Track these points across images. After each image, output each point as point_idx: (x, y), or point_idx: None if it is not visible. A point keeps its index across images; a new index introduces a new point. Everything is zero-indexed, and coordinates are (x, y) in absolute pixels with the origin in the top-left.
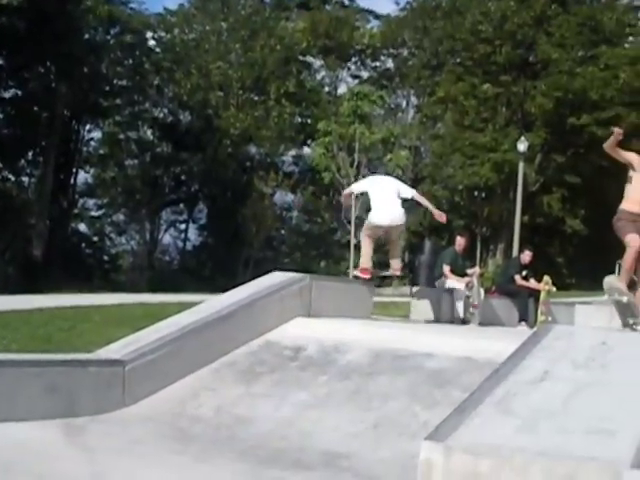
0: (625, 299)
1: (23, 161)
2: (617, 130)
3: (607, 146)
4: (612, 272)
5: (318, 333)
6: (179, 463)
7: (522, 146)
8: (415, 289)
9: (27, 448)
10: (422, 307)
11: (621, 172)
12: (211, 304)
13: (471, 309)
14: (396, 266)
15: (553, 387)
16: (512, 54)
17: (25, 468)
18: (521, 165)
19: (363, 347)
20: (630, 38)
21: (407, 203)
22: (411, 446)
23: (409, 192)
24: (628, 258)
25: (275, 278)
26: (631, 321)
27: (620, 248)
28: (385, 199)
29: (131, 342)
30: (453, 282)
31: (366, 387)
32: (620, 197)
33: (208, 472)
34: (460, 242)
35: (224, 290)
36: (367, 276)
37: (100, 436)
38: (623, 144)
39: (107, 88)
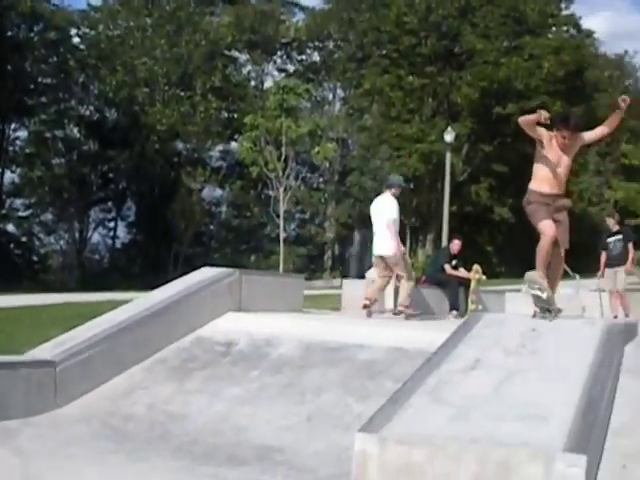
0: (545, 295)
1: None
2: (545, 114)
3: (525, 121)
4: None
5: (249, 327)
6: (114, 462)
7: (449, 136)
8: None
9: None
10: (353, 299)
11: None
12: (142, 302)
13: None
14: (400, 300)
15: (484, 375)
16: (437, 45)
17: None
18: (448, 155)
19: (294, 340)
20: (553, 28)
21: None
22: (345, 438)
23: (385, 220)
24: (542, 249)
25: (205, 274)
26: (546, 315)
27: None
28: (375, 227)
29: (62, 342)
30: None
31: (298, 380)
32: None
33: (144, 470)
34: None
35: (154, 287)
36: (363, 306)
37: (33, 438)
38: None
39: (32, 86)
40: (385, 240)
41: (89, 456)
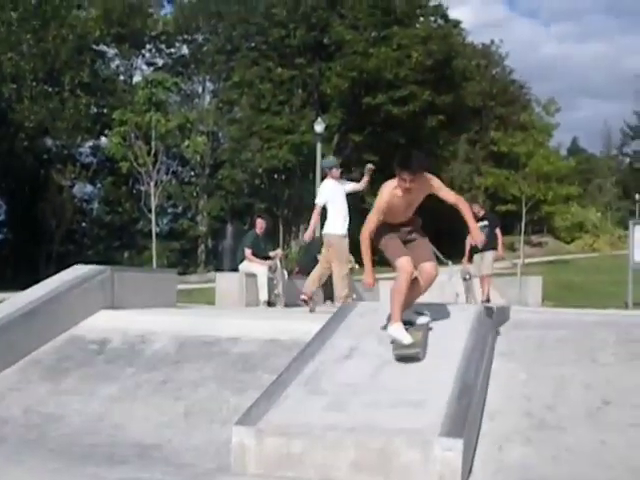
0: (412, 350)
1: None
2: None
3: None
4: None
5: (123, 325)
6: None
7: (319, 127)
8: None
9: None
10: (227, 293)
11: (418, 149)
12: (12, 302)
13: (275, 291)
14: (336, 293)
15: (360, 363)
16: (306, 37)
17: None
18: (319, 146)
19: (169, 336)
20: (421, 19)
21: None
22: (223, 432)
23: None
24: (399, 290)
25: (76, 272)
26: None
27: (424, 223)
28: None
29: None
30: (256, 265)
31: (174, 376)
32: None
33: (22, 473)
34: (260, 224)
35: (26, 287)
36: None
37: None
38: (419, 122)
39: None
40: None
41: None
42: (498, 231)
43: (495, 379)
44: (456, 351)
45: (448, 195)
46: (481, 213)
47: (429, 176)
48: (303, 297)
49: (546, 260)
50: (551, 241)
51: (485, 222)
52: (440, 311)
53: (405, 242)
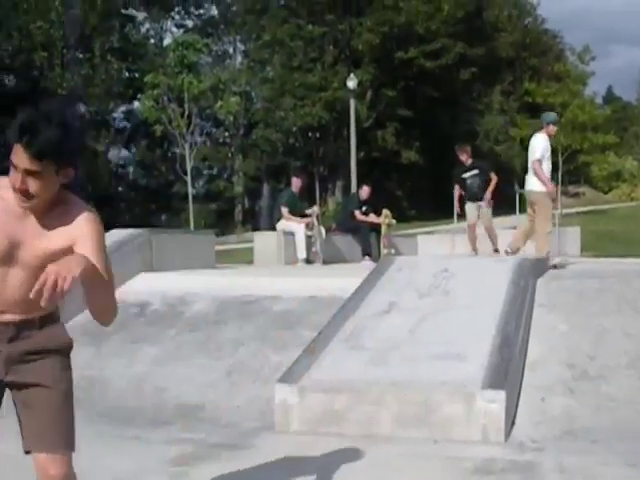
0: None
1: None
2: None
3: None
4: (451, 200)
5: (162, 287)
6: None
7: (352, 83)
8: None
9: None
10: (265, 252)
11: (451, 102)
12: None
13: (313, 248)
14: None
15: (399, 318)
16: None
17: None
18: (352, 102)
19: (209, 296)
20: None
21: None
22: (266, 390)
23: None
24: None
25: (114, 236)
26: None
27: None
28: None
29: None
30: (293, 223)
31: (215, 336)
32: (453, 128)
33: None
34: (296, 183)
35: None
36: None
37: None
38: (452, 75)
39: None
40: (530, 177)
41: (8, 425)
42: (493, 177)
43: (535, 330)
44: (496, 303)
45: None
46: (469, 161)
47: None
48: (507, 250)
49: (584, 210)
50: (588, 191)
51: (475, 171)
52: (479, 263)
53: None
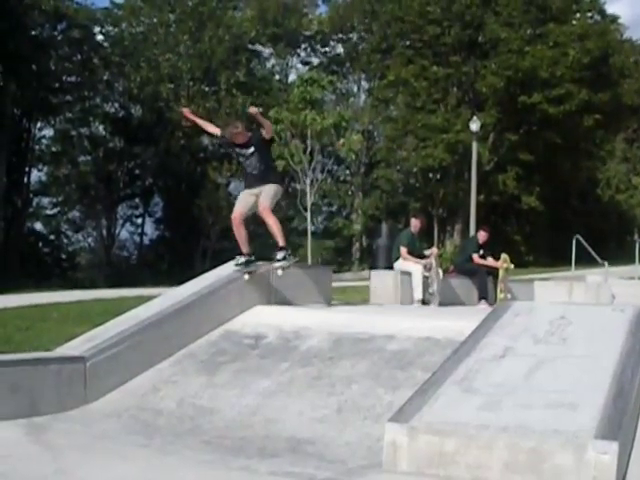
0: None
1: None
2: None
3: None
4: (570, 247)
5: (278, 320)
6: (144, 456)
7: (474, 126)
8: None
9: None
10: (381, 291)
11: (573, 148)
12: (169, 296)
13: (430, 290)
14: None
15: (514, 363)
16: (461, 34)
17: None
18: (474, 145)
19: (324, 332)
20: (577, 15)
21: None
22: (376, 429)
23: None
24: None
25: (233, 267)
26: None
27: (577, 224)
28: None
29: (91, 338)
30: (411, 264)
31: (328, 372)
32: (574, 174)
33: (174, 463)
34: (415, 224)
35: (182, 282)
36: None
37: (63, 434)
38: (575, 121)
39: (56, 85)
40: None
41: (119, 450)
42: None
43: None
44: (612, 352)
45: None
46: None
47: None
48: None
49: None
50: None
51: None
52: (596, 312)
53: None
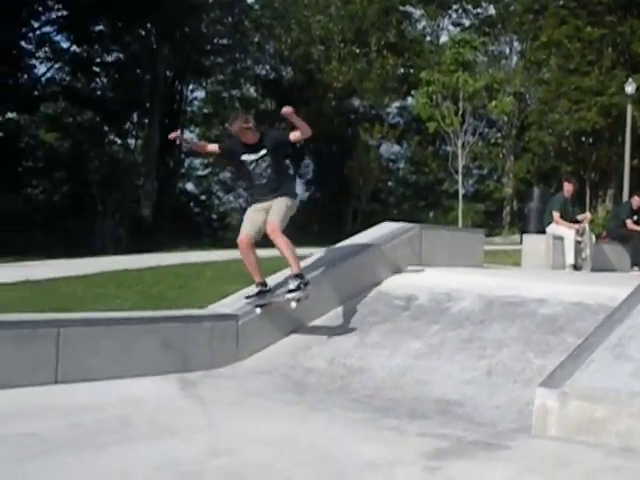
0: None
1: (129, 124)
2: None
3: None
4: None
5: (429, 282)
6: (295, 413)
7: (630, 88)
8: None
9: (144, 402)
10: (533, 255)
11: None
12: (322, 256)
13: (582, 255)
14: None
15: None
16: None
17: (143, 420)
18: (629, 108)
19: (475, 295)
20: None
21: None
22: (525, 393)
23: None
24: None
25: (385, 228)
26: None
27: None
28: None
29: (243, 296)
30: (563, 228)
31: (479, 335)
32: None
33: (325, 421)
34: (568, 188)
35: (333, 243)
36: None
37: (215, 389)
38: None
39: (208, 47)
40: None
41: (269, 406)
42: None
43: None
44: None
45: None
46: None
47: None
48: None
49: None
50: None
51: None
52: None
53: None
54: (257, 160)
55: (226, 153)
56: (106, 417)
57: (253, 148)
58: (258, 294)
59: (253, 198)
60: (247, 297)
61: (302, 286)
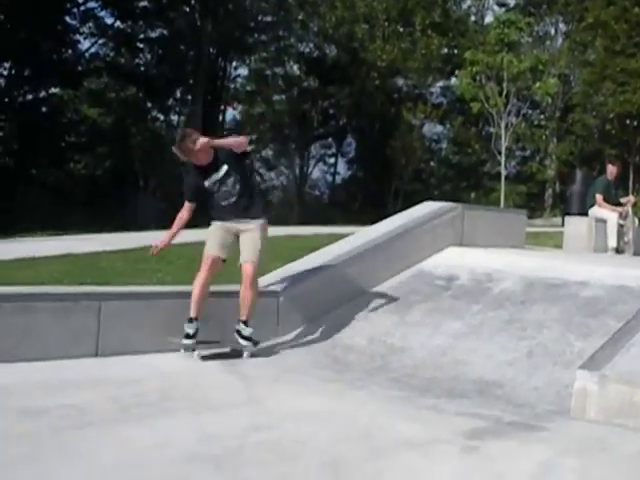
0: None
1: (172, 100)
2: None
3: None
4: None
5: (470, 262)
6: (334, 390)
7: None
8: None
9: (184, 377)
10: (575, 237)
11: None
12: (363, 235)
13: (625, 238)
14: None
15: None
16: None
17: (183, 395)
18: None
19: (516, 276)
20: None
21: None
22: (565, 375)
23: None
24: None
25: (427, 208)
26: None
27: None
28: None
29: (284, 273)
30: (606, 211)
31: (520, 316)
32: None
33: (364, 398)
34: (612, 170)
35: (374, 222)
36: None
37: (255, 365)
38: None
39: (252, 24)
40: None
41: (309, 383)
42: None
43: None
44: None
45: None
46: None
47: None
48: None
49: None
50: None
51: None
52: None
53: None
54: (220, 180)
55: (196, 195)
56: (146, 390)
57: (211, 169)
58: (194, 335)
59: (218, 216)
60: (187, 336)
61: (253, 337)
